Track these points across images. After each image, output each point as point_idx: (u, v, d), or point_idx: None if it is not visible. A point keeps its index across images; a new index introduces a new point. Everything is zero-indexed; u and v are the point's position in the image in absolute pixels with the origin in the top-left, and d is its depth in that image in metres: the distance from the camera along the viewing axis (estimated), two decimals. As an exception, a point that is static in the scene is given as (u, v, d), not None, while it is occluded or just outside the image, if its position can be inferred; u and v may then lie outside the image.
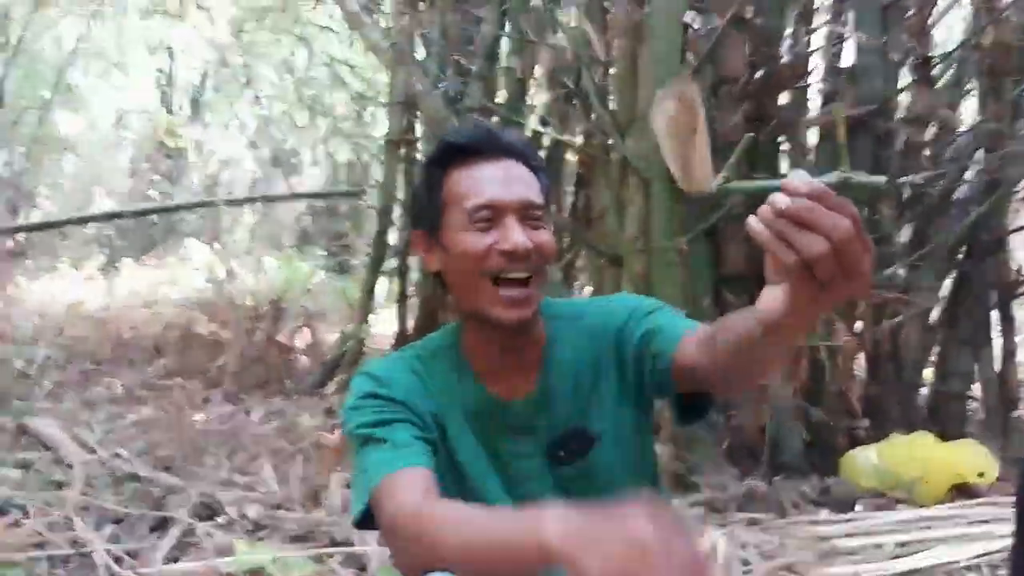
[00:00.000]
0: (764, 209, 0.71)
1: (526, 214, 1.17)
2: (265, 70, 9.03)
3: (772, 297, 0.78)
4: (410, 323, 4.98)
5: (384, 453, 1.14)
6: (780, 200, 0.69)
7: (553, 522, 0.84)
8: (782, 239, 0.70)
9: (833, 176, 0.73)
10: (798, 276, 0.71)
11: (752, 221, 0.71)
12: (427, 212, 1.22)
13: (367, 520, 1.14)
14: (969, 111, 4.22)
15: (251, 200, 8.53)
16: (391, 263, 5.31)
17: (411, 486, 1.09)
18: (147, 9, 9.99)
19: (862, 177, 0.73)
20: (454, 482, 1.22)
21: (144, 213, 8.33)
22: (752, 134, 0.79)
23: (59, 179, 11.70)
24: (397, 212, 5.17)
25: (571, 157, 4.91)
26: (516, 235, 1.14)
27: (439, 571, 1.01)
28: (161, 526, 2.65)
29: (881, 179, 0.76)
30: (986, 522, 2.69)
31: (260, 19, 8.41)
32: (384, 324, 6.26)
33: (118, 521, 2.68)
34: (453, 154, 1.20)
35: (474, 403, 1.25)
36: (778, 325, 0.79)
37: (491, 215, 1.16)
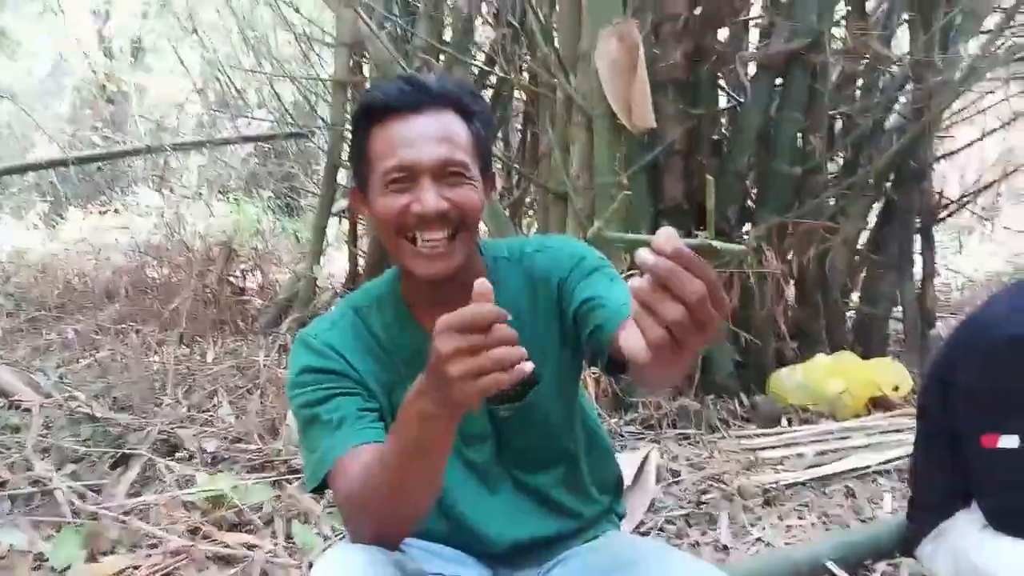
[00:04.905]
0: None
1: (444, 172, 1.15)
2: (207, 12, 8.77)
3: (633, 342, 0.80)
4: (361, 262, 5.03)
5: (332, 437, 1.16)
6: (647, 257, 0.74)
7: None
8: (646, 308, 0.76)
9: (696, 240, 0.78)
10: (658, 337, 0.76)
11: (634, 283, 0.77)
12: (357, 170, 1.22)
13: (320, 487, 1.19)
14: (901, 43, 4.35)
15: (198, 144, 8.35)
16: (341, 203, 5.35)
17: (357, 465, 1.12)
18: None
19: (723, 243, 0.81)
20: None
21: (89, 160, 8.10)
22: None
23: (-4, 127, 11.35)
24: (346, 153, 5.18)
25: (518, 95, 4.95)
26: (428, 197, 1.13)
27: (393, 529, 1.10)
28: (122, 463, 2.68)
29: (741, 247, 0.85)
30: (899, 431, 2.90)
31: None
32: (335, 264, 6.31)
33: (78, 460, 2.69)
34: (374, 113, 1.17)
35: (416, 350, 1.22)
36: (642, 369, 0.87)
37: (406, 176, 1.14)
